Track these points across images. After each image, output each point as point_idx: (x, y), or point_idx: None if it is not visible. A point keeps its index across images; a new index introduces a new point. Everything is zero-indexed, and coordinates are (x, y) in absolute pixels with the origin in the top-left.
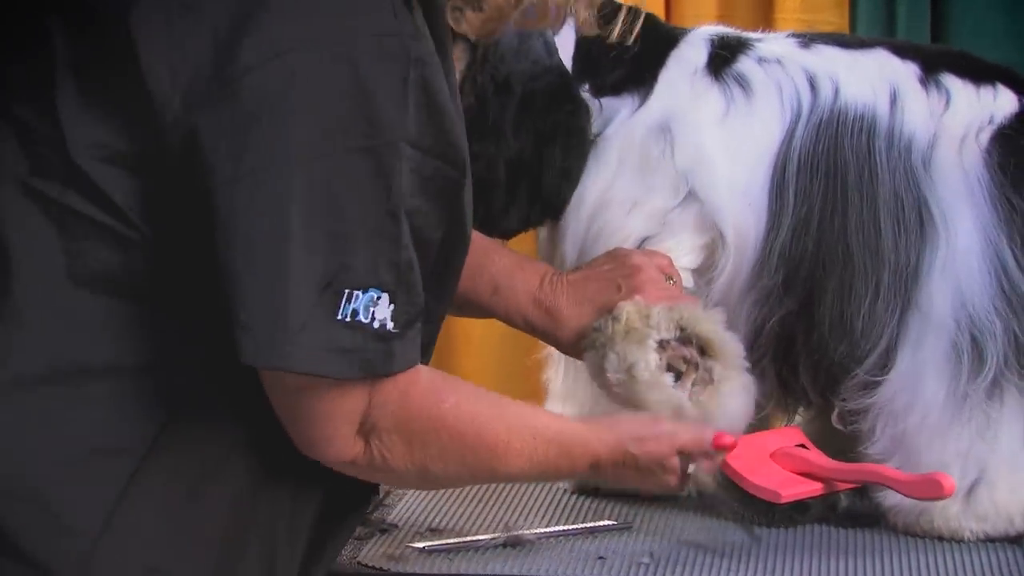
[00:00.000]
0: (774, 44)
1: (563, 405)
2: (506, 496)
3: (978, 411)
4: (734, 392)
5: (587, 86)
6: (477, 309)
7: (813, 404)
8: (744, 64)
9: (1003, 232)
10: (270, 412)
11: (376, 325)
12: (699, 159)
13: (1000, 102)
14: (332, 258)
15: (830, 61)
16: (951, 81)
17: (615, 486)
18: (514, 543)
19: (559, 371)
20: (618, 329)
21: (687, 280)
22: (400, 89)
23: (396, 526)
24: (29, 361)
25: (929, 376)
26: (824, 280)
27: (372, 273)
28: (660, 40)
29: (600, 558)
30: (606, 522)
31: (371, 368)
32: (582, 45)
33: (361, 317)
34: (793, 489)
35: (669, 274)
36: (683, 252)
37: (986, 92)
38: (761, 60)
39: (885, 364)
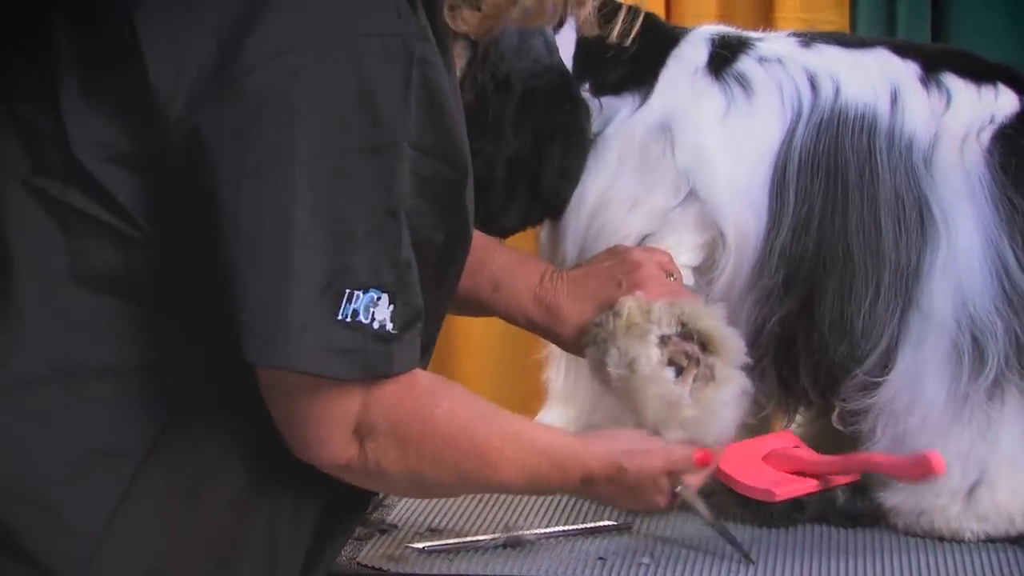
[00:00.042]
0: (775, 43)
1: (564, 405)
2: (506, 497)
3: (979, 411)
4: (730, 395)
5: (587, 85)
6: (477, 307)
7: (814, 404)
8: (745, 63)
9: (1004, 232)
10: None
11: (376, 326)
12: (700, 158)
13: (1001, 101)
14: (333, 258)
15: (831, 60)
16: (952, 80)
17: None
18: (514, 543)
19: (560, 371)
20: (619, 324)
21: (688, 278)
22: (402, 89)
23: (396, 526)
24: (31, 361)
25: (930, 376)
26: (824, 280)
27: (373, 273)
28: (660, 39)
29: (600, 559)
30: (606, 522)
31: (371, 369)
32: (583, 44)
33: (361, 318)
34: (787, 487)
35: (670, 271)
36: (684, 250)
37: (987, 91)
38: (762, 59)
39: (886, 364)
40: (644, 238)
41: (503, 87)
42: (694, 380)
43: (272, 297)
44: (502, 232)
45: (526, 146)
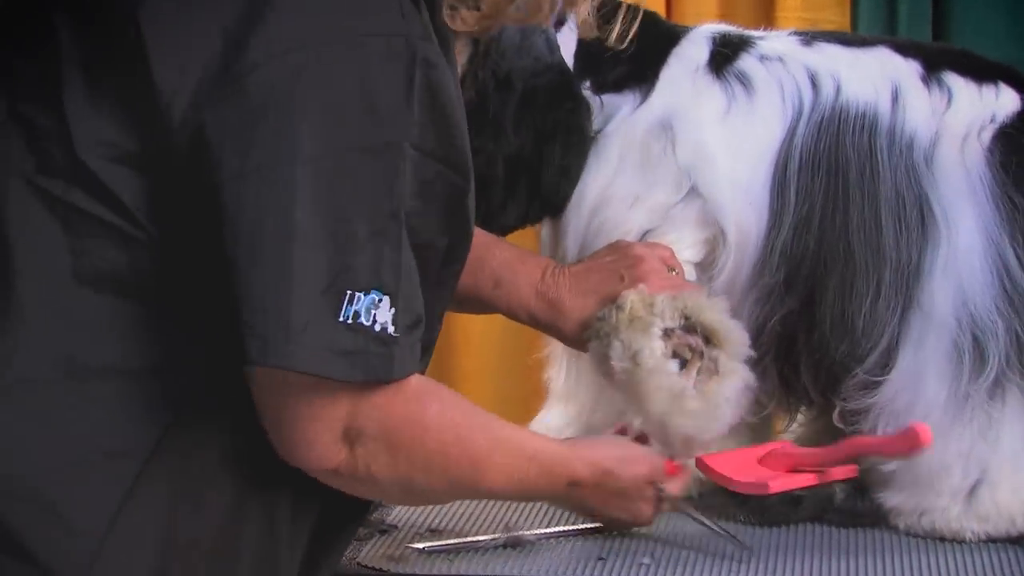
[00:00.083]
0: (776, 42)
1: (564, 405)
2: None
3: (980, 411)
4: (734, 388)
5: (588, 83)
6: (478, 304)
7: (814, 403)
8: (746, 62)
9: (1005, 231)
10: None
11: (378, 328)
12: (701, 155)
13: (1002, 101)
14: (334, 258)
15: (832, 59)
16: (953, 79)
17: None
18: (514, 544)
19: (560, 370)
20: (622, 318)
21: (689, 273)
22: (405, 90)
23: (396, 527)
24: (33, 360)
25: (930, 376)
26: (825, 278)
27: (374, 274)
28: (661, 38)
29: (600, 559)
30: None
31: (373, 372)
32: (584, 42)
33: (363, 319)
34: (782, 481)
35: (671, 265)
36: (685, 246)
37: (988, 91)
38: (763, 58)
39: (886, 363)
40: (645, 234)
41: (504, 85)
42: (698, 373)
43: (273, 296)
44: (502, 230)
45: (527, 144)
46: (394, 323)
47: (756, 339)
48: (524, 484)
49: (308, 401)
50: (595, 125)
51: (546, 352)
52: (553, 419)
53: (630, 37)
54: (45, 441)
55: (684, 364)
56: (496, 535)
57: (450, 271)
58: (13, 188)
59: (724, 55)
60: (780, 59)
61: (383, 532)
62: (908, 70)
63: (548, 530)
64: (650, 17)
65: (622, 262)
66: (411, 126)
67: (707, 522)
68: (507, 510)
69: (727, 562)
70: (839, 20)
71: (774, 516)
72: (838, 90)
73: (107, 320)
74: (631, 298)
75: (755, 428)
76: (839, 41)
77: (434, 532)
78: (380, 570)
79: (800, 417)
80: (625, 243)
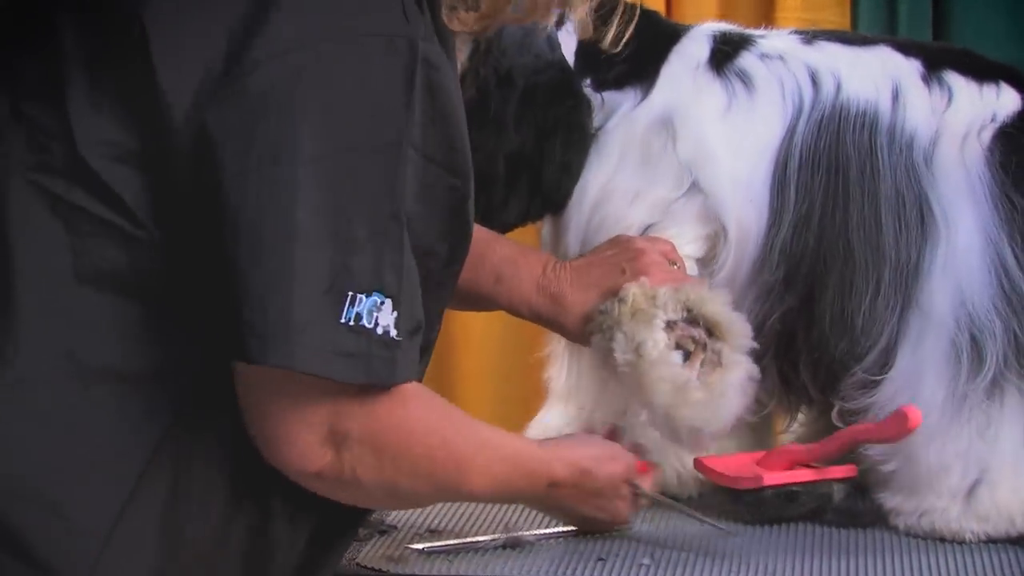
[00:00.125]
0: (777, 40)
1: (565, 404)
2: None
3: (977, 411)
4: (738, 380)
5: (589, 80)
6: (479, 300)
7: (814, 402)
8: (746, 60)
9: (1004, 231)
10: None
11: (380, 331)
12: (701, 152)
13: (1003, 100)
14: (335, 258)
15: (832, 57)
16: (954, 78)
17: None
18: (514, 544)
19: (561, 370)
20: (625, 311)
21: (690, 268)
22: (406, 90)
23: (395, 527)
24: (34, 360)
25: (928, 376)
26: (825, 276)
27: (375, 276)
28: (662, 36)
29: (600, 559)
30: None
31: (376, 375)
32: (585, 40)
33: (365, 322)
34: (776, 475)
35: (673, 259)
36: (686, 241)
37: (989, 90)
38: (763, 56)
39: (885, 362)
40: (646, 229)
41: (505, 82)
42: (701, 365)
43: (274, 296)
44: (503, 228)
45: (528, 141)
46: (396, 327)
47: (756, 336)
48: (505, 486)
49: (295, 402)
50: (596, 122)
51: (546, 352)
52: (553, 419)
53: (625, 39)
54: (47, 441)
55: (687, 356)
56: (496, 535)
57: (450, 271)
58: (14, 187)
59: (725, 53)
60: (781, 57)
61: (382, 533)
62: (909, 69)
63: (548, 530)
64: (651, 16)
65: (623, 256)
66: (412, 127)
67: (686, 510)
68: (507, 510)
69: (727, 563)
70: (839, 20)
71: (770, 512)
72: (838, 88)
73: (108, 320)
74: (633, 291)
75: (755, 428)
76: (840, 40)
77: (433, 533)
78: (379, 571)
79: (800, 417)
80: (626, 237)
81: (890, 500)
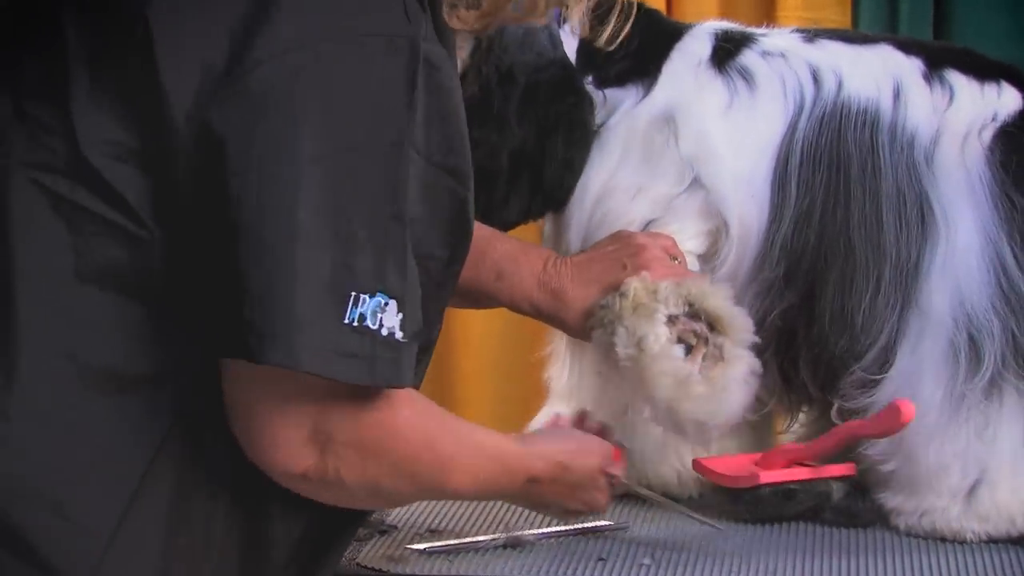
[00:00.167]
0: (778, 39)
1: (565, 404)
2: None
3: (976, 411)
4: (740, 374)
5: (591, 78)
6: (480, 297)
7: (814, 401)
8: (748, 57)
9: (1003, 231)
10: None
11: (385, 332)
12: (703, 148)
13: (1004, 100)
14: (338, 258)
15: (834, 55)
16: (955, 77)
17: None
18: (514, 544)
19: (562, 370)
20: (626, 305)
21: (691, 264)
22: (407, 90)
23: (395, 527)
24: (37, 360)
25: (927, 375)
26: (825, 273)
27: (378, 277)
28: (664, 34)
29: (600, 559)
30: (606, 522)
31: (382, 377)
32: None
33: (369, 323)
34: (772, 473)
35: (674, 254)
36: (688, 237)
37: (990, 89)
38: (765, 54)
39: (885, 361)
40: (648, 224)
41: (507, 80)
42: (703, 359)
43: (275, 295)
44: (504, 225)
45: (530, 138)
46: (402, 328)
47: (756, 333)
48: (487, 484)
49: (282, 403)
50: (598, 119)
51: (547, 351)
52: None
53: (621, 37)
54: (48, 441)
55: (689, 350)
56: (496, 535)
57: (450, 271)
58: (16, 187)
59: (726, 50)
60: (782, 55)
61: (382, 533)
62: (910, 67)
63: (548, 530)
64: (653, 14)
65: (624, 251)
66: (413, 128)
67: (663, 500)
68: (507, 510)
69: (727, 563)
70: (840, 19)
71: (768, 511)
72: (840, 86)
73: (110, 320)
74: (634, 285)
75: (756, 427)
76: (841, 38)
77: (434, 533)
78: (379, 571)
79: (800, 418)
80: (627, 232)
81: (891, 500)
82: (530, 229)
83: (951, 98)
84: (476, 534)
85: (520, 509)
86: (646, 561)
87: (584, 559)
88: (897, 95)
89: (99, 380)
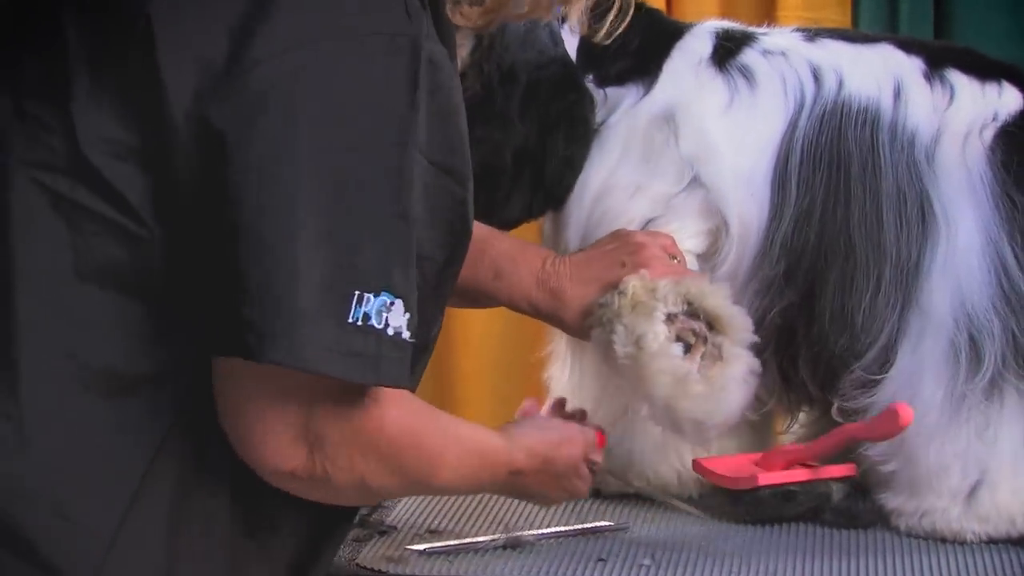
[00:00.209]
0: (779, 38)
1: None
2: (505, 497)
3: (976, 412)
4: (739, 373)
5: (592, 76)
6: (478, 296)
7: (814, 401)
8: (748, 56)
9: (1004, 230)
10: None
11: (391, 332)
12: (703, 146)
13: (1005, 99)
14: (340, 258)
15: (834, 54)
16: (956, 77)
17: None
18: (514, 544)
19: (563, 369)
20: (625, 303)
21: (691, 263)
22: (410, 89)
23: (395, 528)
24: (37, 360)
25: (927, 375)
26: (825, 272)
27: (383, 276)
28: (665, 32)
29: (601, 560)
30: (606, 523)
31: (387, 376)
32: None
33: (373, 322)
34: (773, 476)
35: (673, 253)
36: (687, 236)
37: (991, 89)
38: (766, 52)
39: (885, 361)
40: (647, 223)
41: (508, 78)
42: (702, 358)
43: (275, 294)
44: (505, 224)
45: (531, 136)
46: (409, 328)
47: (756, 332)
48: (471, 479)
49: (273, 402)
50: (598, 118)
51: (547, 351)
52: None
53: (618, 32)
54: (48, 441)
55: (688, 349)
56: (496, 536)
57: (450, 271)
58: (16, 186)
59: (727, 49)
60: (783, 53)
61: (382, 533)
62: (911, 66)
63: (548, 531)
64: (653, 13)
65: (623, 249)
66: (417, 127)
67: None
68: (507, 510)
69: (727, 563)
70: (840, 19)
71: (768, 512)
72: (840, 84)
73: (110, 319)
74: (633, 283)
75: (756, 426)
76: (842, 37)
77: (433, 533)
78: (379, 571)
79: (801, 418)
80: (626, 231)
81: (891, 501)
82: (530, 229)
83: (952, 97)
84: (476, 534)
85: (520, 509)
86: (646, 562)
87: (584, 559)
88: (898, 94)
89: (99, 379)
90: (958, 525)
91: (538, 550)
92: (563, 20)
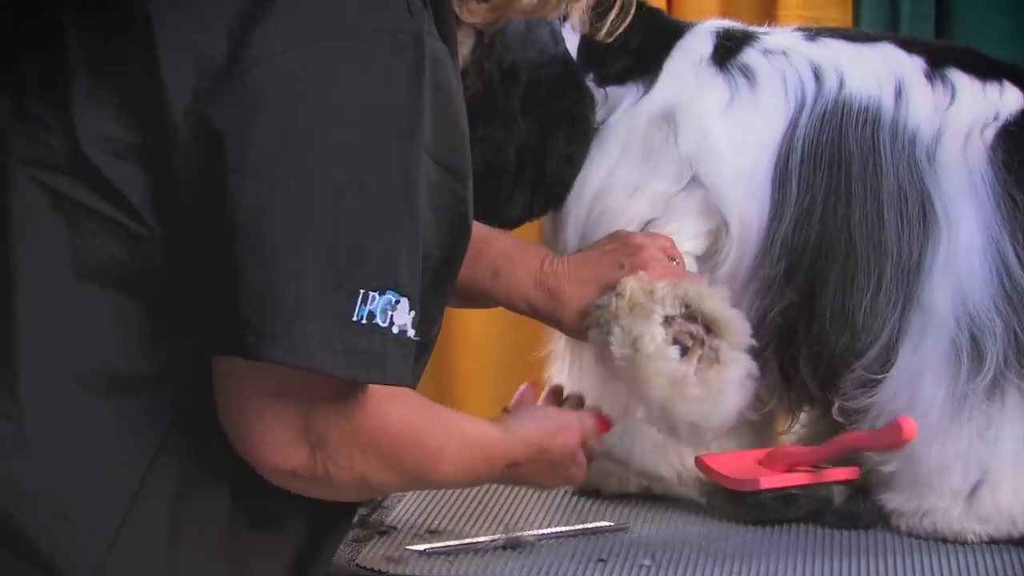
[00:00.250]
0: (780, 37)
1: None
2: (505, 497)
3: (978, 411)
4: (736, 377)
5: (592, 75)
6: (476, 295)
7: (815, 400)
8: (749, 55)
9: (1005, 229)
10: None
11: (396, 331)
12: (703, 146)
13: (1006, 99)
14: (342, 257)
15: (835, 53)
16: (957, 76)
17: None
18: (514, 545)
19: (562, 369)
20: (622, 304)
21: (690, 265)
22: (414, 87)
23: (395, 528)
24: (37, 360)
25: (928, 375)
26: (826, 271)
27: (388, 274)
28: (665, 32)
29: (601, 560)
30: (606, 523)
31: (393, 374)
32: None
33: (378, 320)
34: (775, 479)
35: (672, 255)
36: (687, 237)
37: (992, 88)
38: (766, 52)
39: (886, 361)
40: (647, 224)
41: (509, 77)
42: (699, 361)
43: (276, 293)
44: (506, 224)
45: (532, 135)
46: (414, 326)
47: (756, 331)
48: (470, 471)
49: (273, 401)
50: (598, 117)
51: (547, 351)
52: None
53: (619, 31)
54: (48, 441)
55: (684, 352)
56: (496, 536)
57: (449, 270)
58: (16, 185)
59: (728, 48)
60: (784, 53)
61: (382, 533)
62: (912, 66)
63: (548, 531)
64: (654, 13)
65: (622, 250)
66: (421, 125)
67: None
68: (507, 511)
69: (727, 563)
70: (841, 19)
71: (768, 514)
72: (841, 84)
73: (110, 318)
74: (631, 285)
75: (756, 426)
76: (843, 37)
77: (433, 533)
78: (379, 571)
79: (802, 418)
80: (625, 232)
81: (892, 501)
82: (531, 229)
83: (953, 97)
84: (476, 535)
85: (520, 510)
86: (646, 562)
87: (584, 560)
88: (899, 93)
89: (99, 379)
90: (959, 525)
91: (538, 550)
92: (564, 19)
